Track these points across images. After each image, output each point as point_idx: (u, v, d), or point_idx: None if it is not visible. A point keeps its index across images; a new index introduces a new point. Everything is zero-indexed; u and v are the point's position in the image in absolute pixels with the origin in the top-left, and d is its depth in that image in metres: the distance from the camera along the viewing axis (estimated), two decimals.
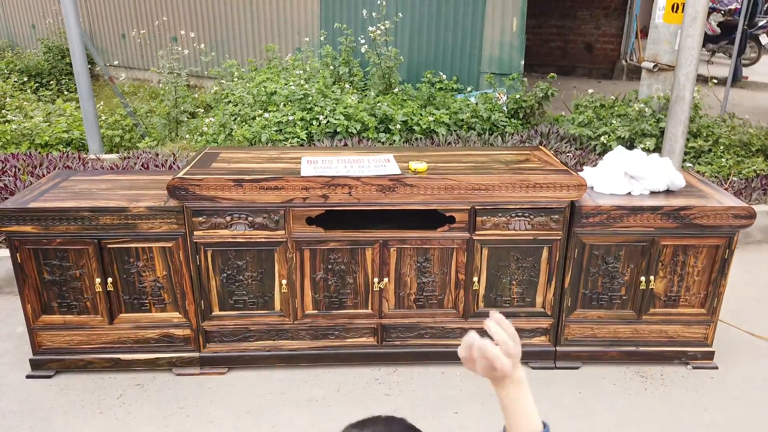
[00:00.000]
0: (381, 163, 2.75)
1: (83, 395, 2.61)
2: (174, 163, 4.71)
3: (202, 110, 6.66)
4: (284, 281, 2.69)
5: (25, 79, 7.73)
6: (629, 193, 2.82)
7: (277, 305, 2.75)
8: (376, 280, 2.72)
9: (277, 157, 2.89)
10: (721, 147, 5.05)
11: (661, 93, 5.31)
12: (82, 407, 2.54)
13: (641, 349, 2.90)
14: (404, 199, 2.61)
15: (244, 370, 2.80)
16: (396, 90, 6.21)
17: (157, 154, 5.04)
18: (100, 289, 2.63)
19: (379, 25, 6.18)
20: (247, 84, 6.09)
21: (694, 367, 2.90)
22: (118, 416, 2.49)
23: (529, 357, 2.88)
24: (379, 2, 6.45)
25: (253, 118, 5.56)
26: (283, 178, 2.55)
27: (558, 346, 2.88)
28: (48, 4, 9.73)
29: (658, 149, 4.92)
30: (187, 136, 5.81)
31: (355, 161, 2.79)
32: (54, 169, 4.44)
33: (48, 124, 5.56)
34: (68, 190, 2.73)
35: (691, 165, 5.03)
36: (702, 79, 9.09)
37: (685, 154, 5.13)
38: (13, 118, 5.52)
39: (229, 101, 6.01)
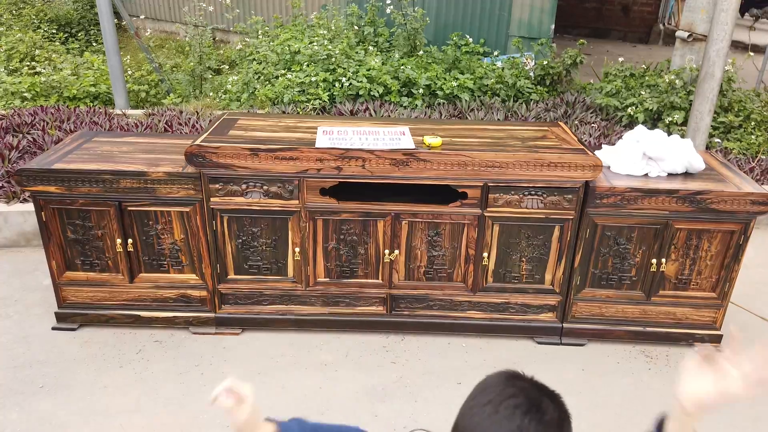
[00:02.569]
0: (396, 136, 2.76)
1: (104, 348, 2.76)
2: (197, 122, 4.76)
3: (227, 66, 6.66)
4: (297, 249, 2.76)
5: (55, 29, 7.78)
6: (646, 174, 2.78)
7: (290, 272, 2.83)
8: (387, 251, 2.77)
9: (294, 126, 2.91)
10: (753, 123, 4.90)
11: (694, 64, 5.13)
12: (104, 360, 2.69)
13: (648, 329, 2.92)
14: (417, 173, 2.62)
15: (258, 331, 2.91)
16: (421, 52, 6.11)
17: (181, 112, 5.09)
18: (121, 249, 2.73)
19: None
20: (272, 42, 6.05)
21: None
22: (136, 370, 2.63)
23: (535, 332, 2.93)
24: None
25: (276, 78, 5.55)
26: (298, 149, 2.58)
27: (565, 322, 2.92)
28: None
29: (686, 123, 4.80)
30: (211, 93, 5.84)
31: (370, 133, 2.80)
32: (81, 124, 4.53)
33: (76, 77, 5.63)
34: (91, 152, 2.81)
35: (719, 141, 4.90)
36: (743, 47, 8.72)
37: (714, 129, 5.00)
38: (42, 71, 5.60)
39: (254, 59, 5.99)
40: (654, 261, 2.76)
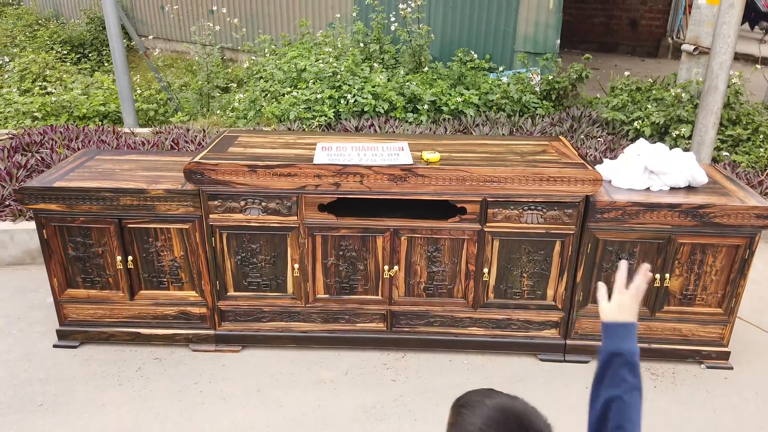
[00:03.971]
0: (394, 152, 2.76)
1: (105, 366, 2.76)
2: (203, 140, 4.81)
3: (235, 85, 6.73)
4: (296, 265, 2.76)
5: (68, 50, 7.93)
6: (648, 188, 2.75)
7: (290, 288, 2.82)
8: (386, 267, 2.76)
9: (293, 143, 2.93)
10: (761, 136, 4.84)
11: (700, 77, 5.09)
12: (103, 378, 2.69)
13: (654, 346, 2.86)
14: (415, 189, 2.62)
15: (258, 348, 2.90)
16: (426, 69, 6.14)
17: (188, 130, 5.15)
18: (121, 267, 2.74)
19: (410, 2, 6.09)
20: (279, 60, 6.12)
21: (707, 367, 2.86)
22: (135, 388, 2.63)
23: (538, 349, 2.89)
24: None
25: (283, 95, 5.60)
26: (296, 165, 2.59)
27: (568, 339, 2.87)
28: None
29: (686, 142, 4.75)
30: (218, 111, 5.91)
31: (369, 149, 2.81)
32: (90, 143, 4.59)
33: (86, 96, 5.73)
34: (92, 170, 2.84)
35: (727, 154, 4.84)
36: (753, 60, 8.65)
37: (722, 142, 4.95)
38: (54, 91, 5.70)
39: (261, 77, 6.06)
40: (658, 276, 2.72)
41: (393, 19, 6.25)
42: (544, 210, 2.64)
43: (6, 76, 6.29)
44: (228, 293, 2.82)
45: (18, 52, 7.33)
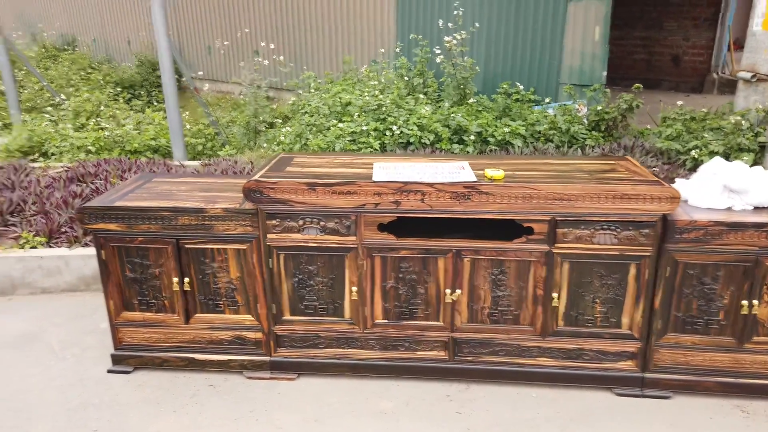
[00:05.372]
0: (455, 170, 2.67)
1: (158, 392, 2.67)
2: (251, 171, 4.82)
3: (280, 121, 6.83)
4: (354, 288, 2.65)
5: (119, 90, 8.23)
6: (729, 208, 2.58)
7: (347, 313, 2.71)
8: (448, 291, 2.63)
9: (350, 163, 2.87)
10: None
11: (760, 105, 4.91)
12: (157, 404, 2.59)
13: (742, 381, 2.62)
14: (479, 207, 2.51)
15: (313, 377, 2.77)
16: (471, 101, 6.11)
17: (236, 162, 5.19)
18: (177, 289, 2.68)
19: (455, 35, 6.13)
20: (323, 95, 6.19)
21: None
22: (190, 415, 2.52)
23: (613, 383, 2.68)
24: (455, 12, 6.40)
25: (328, 128, 5.62)
26: (355, 182, 2.52)
27: (646, 372, 2.66)
28: (142, 19, 10.36)
29: (755, 165, 4.53)
30: (265, 145, 5.96)
31: (429, 168, 2.72)
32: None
33: (138, 132, 5.86)
34: (150, 191, 2.83)
35: None
36: None
37: None
38: (107, 126, 5.86)
39: (306, 112, 6.12)
40: (745, 303, 2.51)
41: (438, 51, 6.28)
42: (618, 230, 2.49)
43: (62, 114, 6.51)
44: (284, 317, 2.73)
45: (73, 92, 7.63)
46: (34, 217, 3.84)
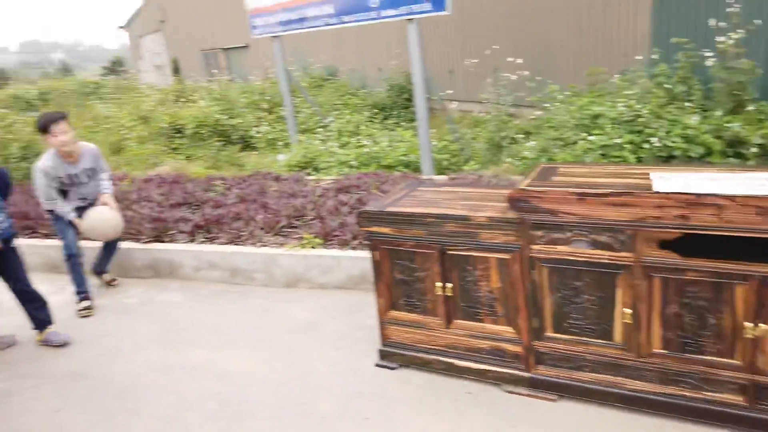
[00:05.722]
0: (760, 182, 2.29)
1: (420, 391, 2.79)
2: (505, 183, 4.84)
3: (522, 136, 6.77)
4: (627, 310, 2.43)
5: (375, 111, 9.11)
6: None
7: (617, 336, 2.50)
8: (748, 324, 2.25)
9: (622, 173, 2.66)
10: None
11: None
12: (420, 403, 2.71)
13: None
14: None
15: (576, 401, 2.61)
16: (749, 108, 5.27)
17: (480, 177, 5.27)
18: (440, 293, 2.78)
19: (730, 34, 5.37)
20: (569, 108, 5.95)
21: None
22: (452, 419, 2.58)
23: None
24: (728, 10, 5.62)
25: (575, 143, 5.38)
26: (633, 193, 2.32)
27: None
28: (392, 50, 11.29)
29: None
30: (508, 159, 5.95)
31: (722, 178, 2.38)
32: (395, 186, 5.02)
33: (391, 148, 6.36)
34: (417, 199, 3.00)
35: None
36: None
37: None
38: (366, 144, 6.48)
39: (551, 125, 5.95)
40: None
41: (708, 54, 5.58)
42: None
43: (328, 134, 7.41)
44: (546, 333, 2.63)
45: (337, 115, 8.65)
46: (312, 222, 4.39)
